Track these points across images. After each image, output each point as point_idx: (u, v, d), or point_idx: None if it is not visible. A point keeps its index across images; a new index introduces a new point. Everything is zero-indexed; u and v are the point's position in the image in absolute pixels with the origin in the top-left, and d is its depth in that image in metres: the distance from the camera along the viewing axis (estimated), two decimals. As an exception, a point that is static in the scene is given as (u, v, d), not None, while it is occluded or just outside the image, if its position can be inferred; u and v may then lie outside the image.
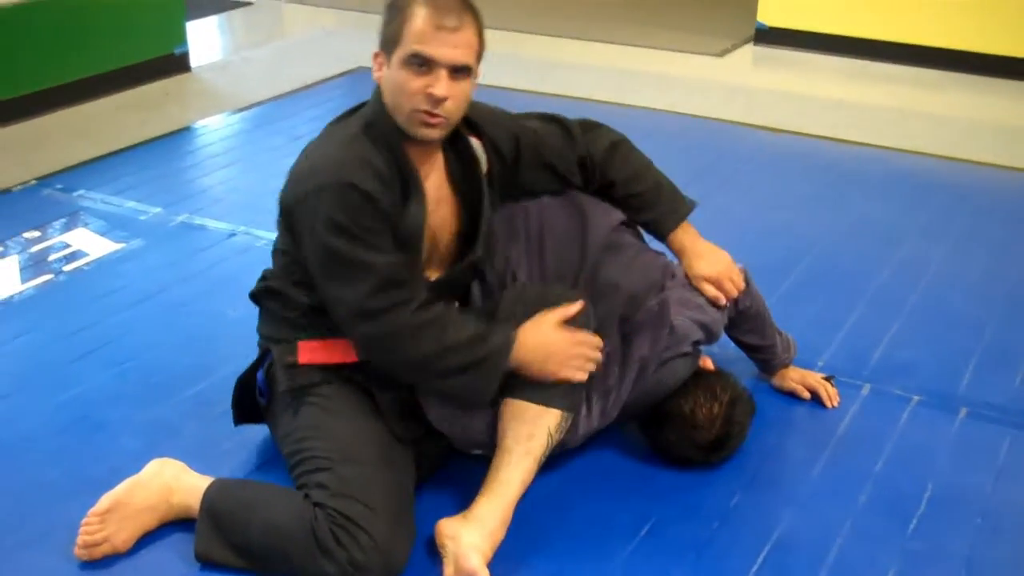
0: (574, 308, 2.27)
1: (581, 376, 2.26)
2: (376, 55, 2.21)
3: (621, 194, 2.54)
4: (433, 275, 2.36)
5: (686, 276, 2.53)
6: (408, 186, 2.21)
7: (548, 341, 2.24)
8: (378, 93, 2.23)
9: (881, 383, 2.85)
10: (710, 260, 2.54)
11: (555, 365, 2.24)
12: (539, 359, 2.23)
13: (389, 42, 2.16)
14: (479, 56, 2.20)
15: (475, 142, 2.36)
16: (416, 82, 2.12)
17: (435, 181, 2.31)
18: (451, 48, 2.11)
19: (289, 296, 2.31)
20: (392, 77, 2.16)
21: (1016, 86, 5.62)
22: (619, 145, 2.54)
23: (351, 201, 2.12)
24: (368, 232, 2.14)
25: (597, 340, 2.30)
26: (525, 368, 2.23)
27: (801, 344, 2.81)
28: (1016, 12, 5.68)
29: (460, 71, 2.13)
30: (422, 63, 2.11)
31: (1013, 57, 5.72)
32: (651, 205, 2.56)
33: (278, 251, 2.37)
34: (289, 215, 2.25)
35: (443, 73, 2.11)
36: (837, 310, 3.22)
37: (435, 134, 2.19)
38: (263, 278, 2.42)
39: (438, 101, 2.12)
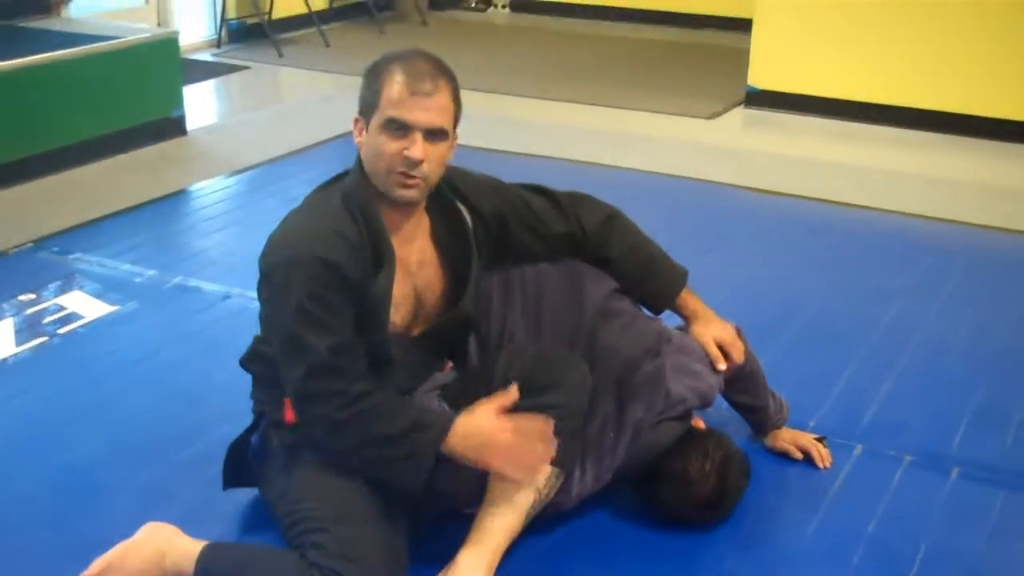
0: (510, 396, 2.21)
1: (528, 479, 2.19)
2: (356, 120, 2.25)
3: (618, 270, 2.56)
4: (417, 331, 2.37)
5: (692, 334, 2.55)
6: (381, 254, 2.23)
7: (482, 429, 2.17)
8: (359, 159, 2.27)
9: (873, 443, 2.85)
10: (719, 326, 2.57)
11: (499, 459, 2.17)
12: (472, 447, 2.16)
13: (367, 107, 2.20)
14: (456, 119, 2.25)
15: (461, 207, 2.39)
16: (393, 145, 2.16)
17: (419, 243, 2.34)
18: (425, 112, 2.15)
19: (275, 360, 2.30)
20: (370, 141, 2.20)
21: (1003, 147, 5.68)
22: (613, 220, 2.57)
23: (318, 275, 2.13)
24: (328, 310, 2.14)
25: (547, 429, 2.18)
26: (460, 459, 2.17)
27: (793, 404, 2.81)
28: (1002, 74, 5.75)
29: (436, 134, 2.18)
30: (398, 127, 2.15)
31: (1000, 119, 5.78)
32: (649, 279, 2.58)
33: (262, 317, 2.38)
34: (261, 282, 2.27)
35: (418, 136, 2.15)
36: (829, 370, 3.23)
37: (413, 195, 2.22)
38: (253, 343, 2.43)
39: (415, 163, 2.16)
